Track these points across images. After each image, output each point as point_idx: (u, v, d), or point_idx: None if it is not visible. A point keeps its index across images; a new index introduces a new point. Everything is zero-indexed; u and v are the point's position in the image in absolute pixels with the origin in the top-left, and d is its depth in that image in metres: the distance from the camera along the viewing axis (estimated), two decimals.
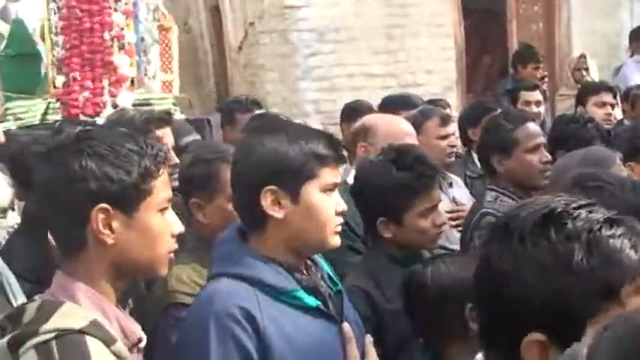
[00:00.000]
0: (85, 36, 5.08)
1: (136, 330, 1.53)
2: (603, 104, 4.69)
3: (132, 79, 5.25)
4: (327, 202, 1.80)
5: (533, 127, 3.05)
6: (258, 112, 4.26)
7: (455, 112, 5.12)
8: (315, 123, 5.16)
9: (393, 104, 4.31)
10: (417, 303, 2.09)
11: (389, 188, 2.33)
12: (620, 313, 1.01)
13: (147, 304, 2.27)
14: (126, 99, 4.95)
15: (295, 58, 7.14)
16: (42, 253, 2.23)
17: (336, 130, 4.21)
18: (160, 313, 2.15)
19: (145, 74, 5.66)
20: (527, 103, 4.89)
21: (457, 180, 3.77)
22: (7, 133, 2.38)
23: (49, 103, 5.31)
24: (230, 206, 1.98)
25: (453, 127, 3.89)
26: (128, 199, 1.48)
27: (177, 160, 2.64)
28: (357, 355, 1.80)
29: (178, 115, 5.02)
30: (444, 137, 3.70)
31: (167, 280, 2.13)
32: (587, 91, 4.92)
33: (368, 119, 3.25)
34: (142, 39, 5.57)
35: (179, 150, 2.99)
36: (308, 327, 1.75)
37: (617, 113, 4.93)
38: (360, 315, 2.01)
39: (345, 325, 1.82)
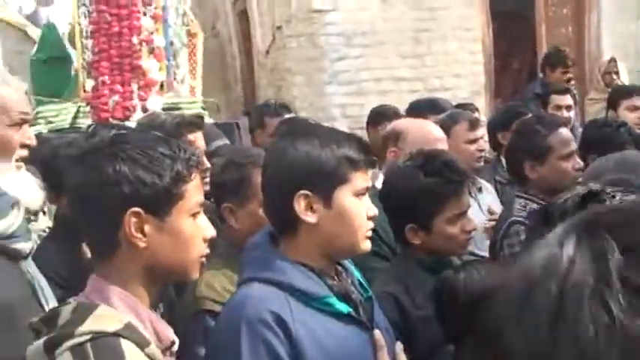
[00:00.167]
0: (114, 40, 5.10)
1: (169, 333, 1.54)
2: (635, 108, 4.61)
3: (161, 83, 5.28)
4: (359, 207, 1.79)
5: (566, 132, 3.00)
6: (287, 116, 4.26)
7: (483, 117, 5.08)
8: (342, 127, 5.13)
9: (420, 108, 4.25)
10: (448, 309, 2.06)
11: (416, 194, 2.29)
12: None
13: (177, 309, 2.27)
14: (155, 103, 4.98)
15: (322, 62, 7.13)
16: (74, 257, 2.24)
17: (362, 135, 4.19)
18: (189, 318, 2.15)
19: (174, 78, 5.69)
20: (558, 107, 4.83)
21: (487, 185, 3.74)
22: (38, 136, 2.38)
23: (80, 106, 5.35)
24: (262, 211, 1.97)
25: (482, 131, 3.86)
26: (160, 203, 1.49)
27: (208, 165, 2.64)
28: None
29: (207, 120, 5.03)
30: (473, 141, 3.66)
31: (197, 285, 2.13)
32: (619, 94, 4.84)
33: (398, 124, 3.23)
34: (171, 43, 5.60)
35: (208, 155, 2.99)
36: (339, 333, 1.74)
37: None
38: (390, 321, 1.99)
39: (377, 332, 1.80)
